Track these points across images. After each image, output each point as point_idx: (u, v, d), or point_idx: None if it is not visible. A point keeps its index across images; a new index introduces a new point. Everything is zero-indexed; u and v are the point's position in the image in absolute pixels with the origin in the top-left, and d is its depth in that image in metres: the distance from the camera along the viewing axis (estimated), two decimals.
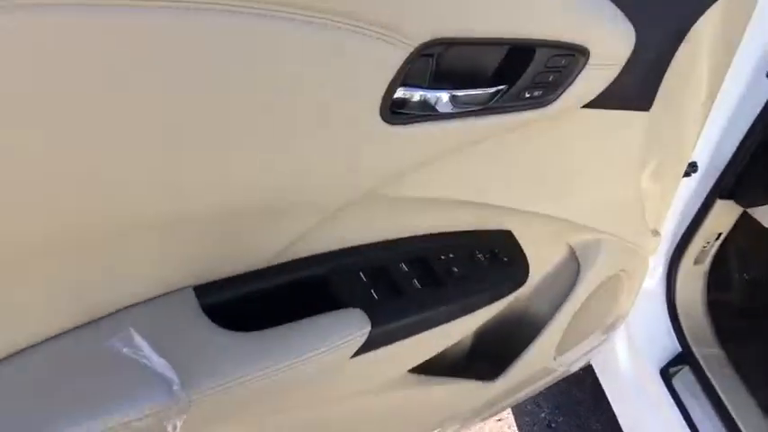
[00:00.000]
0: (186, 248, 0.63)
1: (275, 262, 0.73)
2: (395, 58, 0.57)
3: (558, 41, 0.67)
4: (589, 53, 0.70)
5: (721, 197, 1.40)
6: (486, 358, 1.11)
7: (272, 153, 0.58)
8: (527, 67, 0.67)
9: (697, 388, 1.55)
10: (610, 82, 0.76)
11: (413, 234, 0.85)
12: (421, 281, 0.82)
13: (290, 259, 0.74)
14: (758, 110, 1.22)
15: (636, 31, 0.74)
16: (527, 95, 0.70)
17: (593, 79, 0.74)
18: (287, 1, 0.48)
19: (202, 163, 0.54)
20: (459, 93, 0.66)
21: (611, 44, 0.73)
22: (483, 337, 1.08)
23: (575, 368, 1.44)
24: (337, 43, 0.53)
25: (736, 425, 1.47)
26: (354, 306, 0.74)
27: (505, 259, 0.90)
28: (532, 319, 1.16)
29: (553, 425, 2.33)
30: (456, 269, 0.85)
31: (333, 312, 0.71)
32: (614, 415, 1.76)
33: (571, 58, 0.70)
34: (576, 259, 1.12)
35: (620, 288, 1.25)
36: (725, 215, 1.46)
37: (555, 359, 1.25)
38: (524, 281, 0.91)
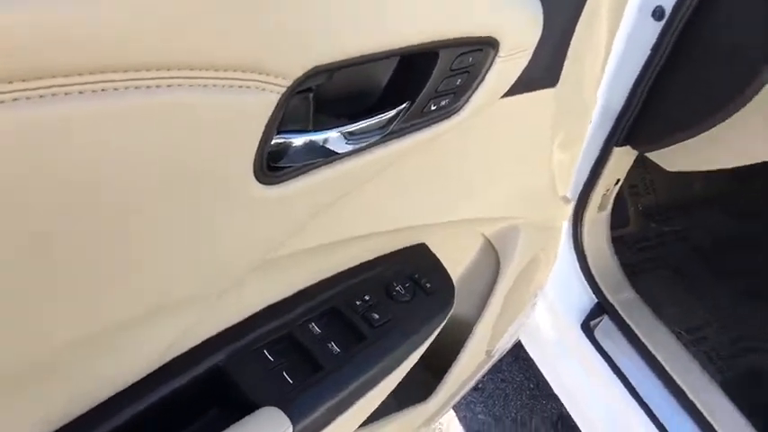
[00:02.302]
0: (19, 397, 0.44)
1: (156, 367, 0.55)
2: (263, 106, 0.40)
3: (464, 38, 0.52)
4: (499, 45, 0.56)
5: (617, 144, 1.35)
6: (416, 375, 0.99)
7: (118, 252, 0.40)
8: (429, 75, 0.52)
9: (618, 335, 1.55)
10: (522, 70, 0.63)
11: (316, 281, 0.70)
12: (338, 342, 0.67)
13: (173, 357, 0.57)
14: (646, 53, 1.15)
15: (543, 7, 0.61)
16: (432, 107, 0.56)
17: (504, 72, 0.60)
18: (108, 66, 0.31)
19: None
20: (351, 127, 0.49)
21: (521, 29, 0.59)
22: None
23: (507, 348, 1.37)
24: (183, 105, 0.36)
25: (662, 366, 1.48)
26: (265, 401, 0.58)
27: (428, 285, 0.77)
28: (459, 321, 1.05)
29: (479, 385, 2.32)
30: (376, 315, 0.71)
31: (238, 424, 0.55)
32: (535, 363, 1.74)
33: (479, 53, 0.55)
34: (495, 251, 1.01)
35: (538, 264, 1.17)
36: (622, 161, 1.42)
37: (488, 353, 1.16)
38: (452, 303, 0.79)
